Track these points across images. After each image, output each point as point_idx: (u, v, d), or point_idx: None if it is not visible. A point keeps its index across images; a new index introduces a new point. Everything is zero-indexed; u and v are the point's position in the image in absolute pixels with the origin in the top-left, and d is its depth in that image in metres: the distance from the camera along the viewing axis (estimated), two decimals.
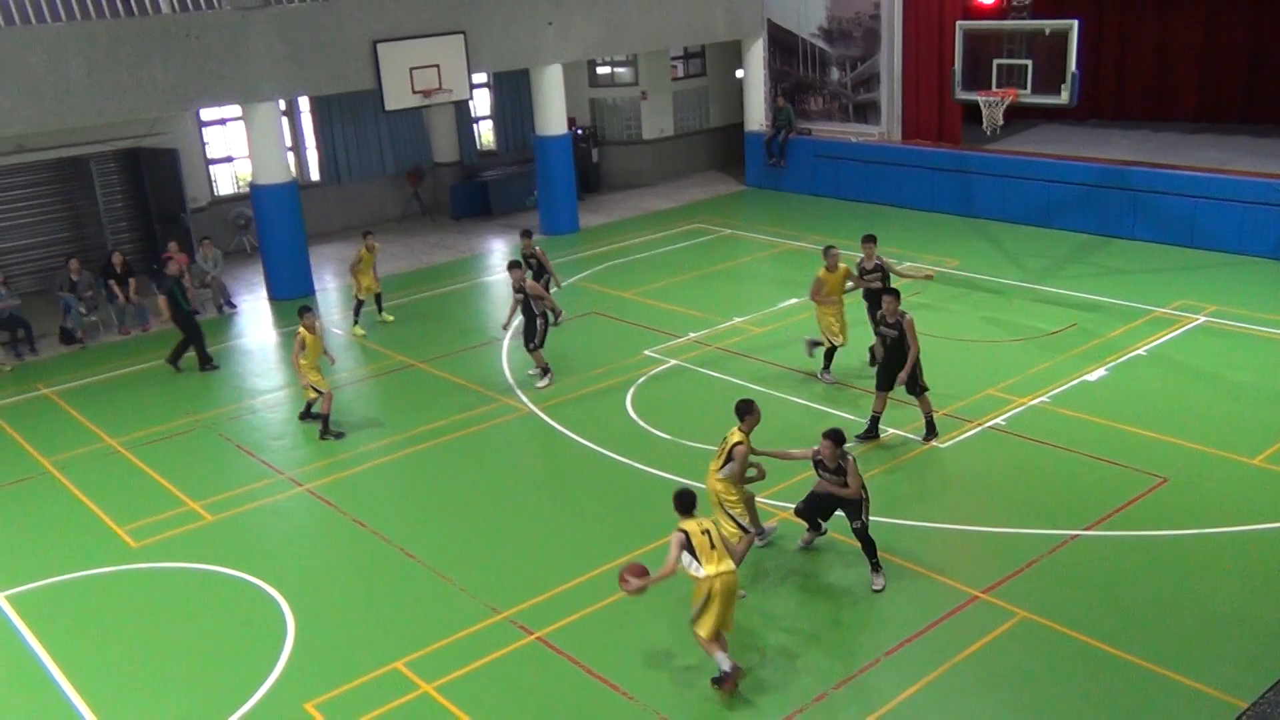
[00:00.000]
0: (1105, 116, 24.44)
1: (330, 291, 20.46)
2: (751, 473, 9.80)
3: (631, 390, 14.61)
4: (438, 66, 20.44)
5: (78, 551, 11.45)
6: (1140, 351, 14.79)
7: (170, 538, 11.61)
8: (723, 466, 9.66)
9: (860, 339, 14.35)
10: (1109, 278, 18.00)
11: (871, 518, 9.88)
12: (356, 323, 17.86)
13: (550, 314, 15.02)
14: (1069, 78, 17.57)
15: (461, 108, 25.60)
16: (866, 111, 24.40)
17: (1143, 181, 19.87)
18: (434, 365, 16.12)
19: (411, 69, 20.15)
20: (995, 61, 18.70)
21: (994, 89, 18.70)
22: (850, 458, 9.74)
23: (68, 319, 18.07)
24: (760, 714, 8.40)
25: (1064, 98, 17.85)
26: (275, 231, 19.88)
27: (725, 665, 8.48)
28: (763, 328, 16.71)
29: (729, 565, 8.42)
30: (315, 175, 24.84)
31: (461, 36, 20.71)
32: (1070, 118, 23.52)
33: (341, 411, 14.46)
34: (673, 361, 15.54)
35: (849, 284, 14.03)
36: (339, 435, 13.79)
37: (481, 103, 26.87)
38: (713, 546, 8.40)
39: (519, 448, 13.64)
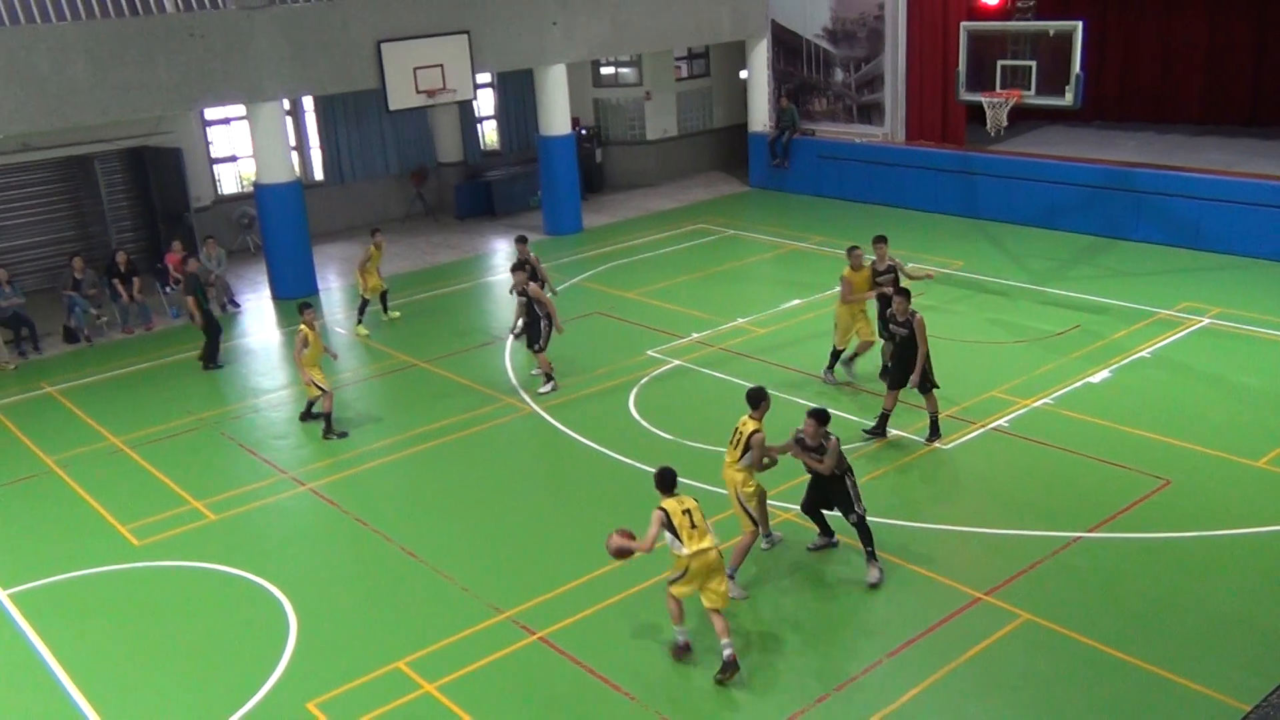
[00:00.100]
0: (1109, 118, 24.40)
1: (334, 291, 20.47)
2: (765, 460, 9.87)
3: (634, 390, 14.60)
4: (442, 66, 20.45)
5: (81, 550, 11.47)
6: (1144, 353, 14.77)
7: (173, 536, 11.62)
8: (741, 456, 9.70)
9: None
10: (1113, 280, 17.98)
11: (875, 519, 9.88)
12: (360, 322, 17.87)
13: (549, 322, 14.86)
14: (1073, 79, 17.55)
15: (465, 107, 25.61)
16: (870, 112, 24.39)
17: (1147, 183, 19.84)
18: (437, 365, 16.13)
19: (415, 69, 20.17)
20: (999, 63, 18.67)
21: (998, 90, 18.67)
22: (833, 438, 9.78)
23: (71, 318, 18.09)
24: (762, 714, 8.39)
25: (1068, 99, 17.82)
26: (279, 231, 19.90)
27: (679, 638, 8.91)
28: (766, 328, 16.70)
29: (708, 543, 8.62)
30: (319, 175, 24.87)
31: (466, 36, 20.72)
32: (1074, 119, 23.47)
33: (344, 410, 14.48)
34: (676, 362, 15.53)
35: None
36: (342, 435, 13.80)
37: (485, 103, 26.88)
38: (694, 526, 8.61)
39: (521, 448, 13.64)
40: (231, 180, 23.87)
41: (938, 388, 12.41)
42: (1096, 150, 21.71)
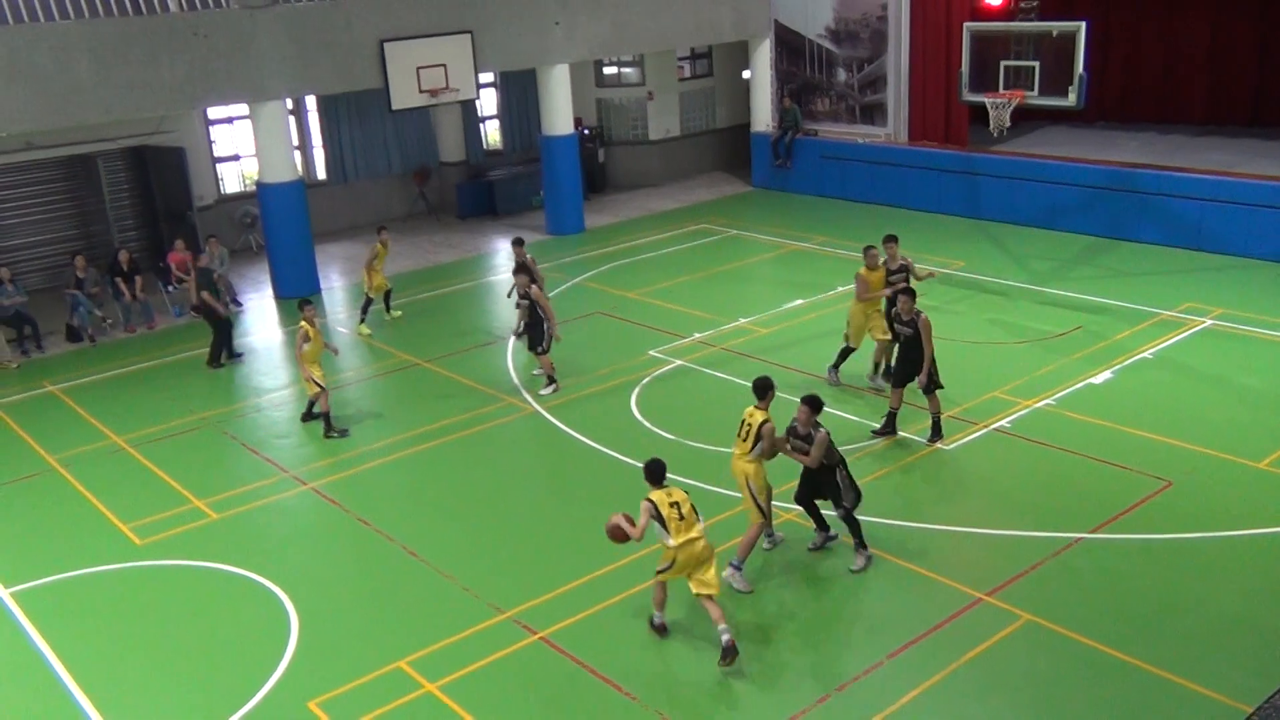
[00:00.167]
0: (1112, 119, 24.39)
1: (336, 290, 20.48)
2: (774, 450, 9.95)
3: (636, 390, 14.61)
4: (444, 66, 20.46)
5: (83, 548, 11.48)
6: (1146, 354, 14.76)
7: (175, 535, 11.63)
8: (753, 447, 9.72)
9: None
10: (1115, 280, 17.97)
11: (876, 519, 9.89)
12: (363, 321, 17.88)
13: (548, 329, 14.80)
14: (1076, 80, 17.53)
15: (468, 107, 25.62)
16: (873, 113, 24.38)
17: (1150, 184, 19.83)
18: (439, 364, 16.13)
19: (418, 68, 20.18)
20: (1002, 63, 18.66)
21: (1001, 91, 18.66)
22: (822, 430, 9.79)
23: (74, 316, 18.11)
24: (763, 714, 8.40)
25: (1071, 100, 17.81)
26: (281, 230, 19.91)
27: (657, 619, 9.27)
28: (768, 329, 16.70)
29: (695, 534, 8.80)
30: (321, 174, 24.88)
31: (468, 36, 20.72)
32: (1077, 120, 23.47)
33: (346, 409, 14.49)
34: (678, 362, 15.53)
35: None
36: (343, 433, 13.81)
37: (488, 102, 26.88)
38: (681, 518, 8.82)
39: (523, 447, 13.64)
40: (234, 179, 23.89)
41: (941, 388, 12.41)
42: (1099, 151, 21.70)
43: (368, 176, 25.22)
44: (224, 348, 16.72)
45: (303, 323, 13.61)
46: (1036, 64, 18.20)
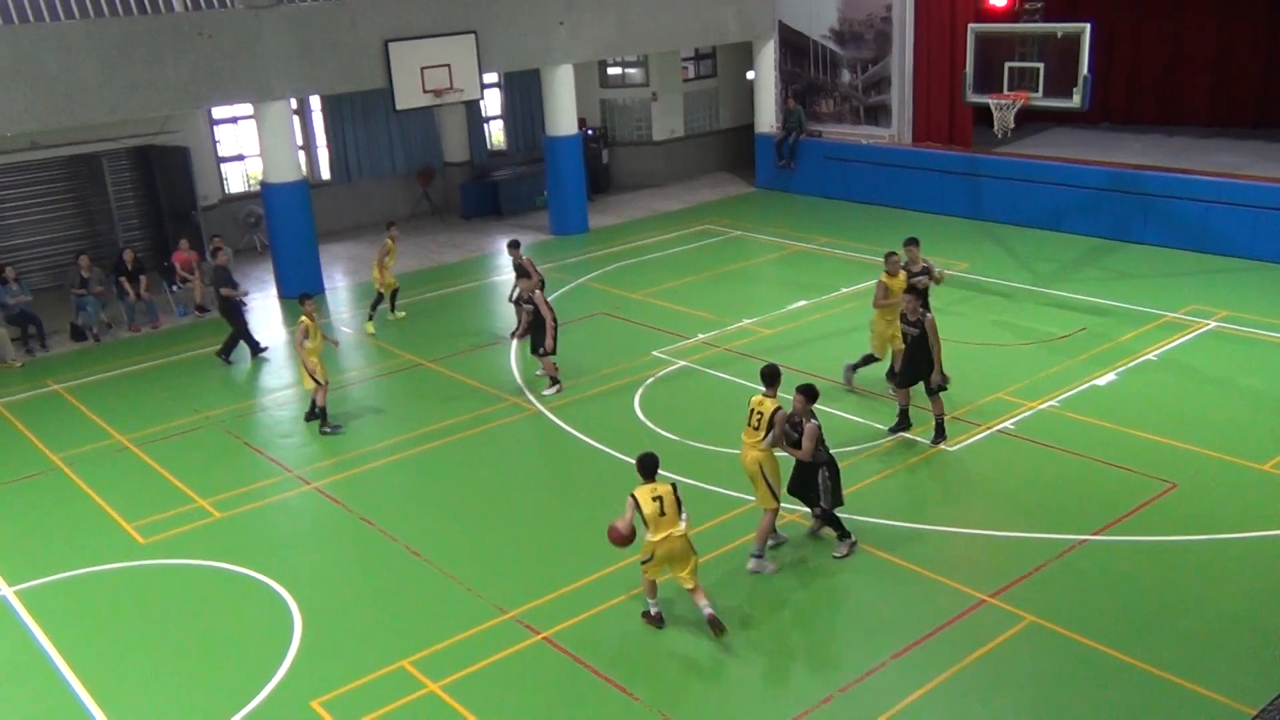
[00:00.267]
0: (1117, 120, 24.38)
1: (340, 290, 20.49)
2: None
3: (640, 391, 14.60)
4: (449, 66, 20.47)
5: (86, 547, 11.49)
6: (1150, 356, 14.74)
7: (178, 534, 11.64)
8: (766, 435, 9.73)
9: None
10: (1119, 282, 17.95)
11: (879, 520, 9.87)
12: (371, 318, 17.89)
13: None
14: (1081, 81, 17.52)
15: (472, 107, 25.64)
16: (877, 114, 24.37)
17: (1154, 186, 19.81)
18: (442, 364, 16.14)
19: (422, 68, 20.19)
20: (1007, 64, 18.64)
21: (1005, 92, 18.64)
22: (814, 421, 9.78)
23: (79, 316, 18.13)
24: (767, 715, 8.39)
25: (1076, 101, 17.79)
26: (286, 230, 19.92)
27: (651, 609, 9.41)
28: (772, 329, 16.69)
29: (675, 530, 8.99)
30: (326, 174, 24.89)
31: (473, 36, 20.73)
32: (1082, 121, 23.46)
33: (349, 409, 14.50)
34: (681, 363, 15.53)
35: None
36: (335, 428, 13.83)
37: (492, 102, 26.90)
38: (662, 514, 8.98)
39: (526, 448, 13.64)
40: (238, 179, 23.90)
41: (945, 390, 12.39)
42: (1103, 152, 21.68)
43: (372, 177, 25.24)
44: (247, 343, 16.82)
45: (303, 318, 13.62)
46: (1041, 65, 18.18)
